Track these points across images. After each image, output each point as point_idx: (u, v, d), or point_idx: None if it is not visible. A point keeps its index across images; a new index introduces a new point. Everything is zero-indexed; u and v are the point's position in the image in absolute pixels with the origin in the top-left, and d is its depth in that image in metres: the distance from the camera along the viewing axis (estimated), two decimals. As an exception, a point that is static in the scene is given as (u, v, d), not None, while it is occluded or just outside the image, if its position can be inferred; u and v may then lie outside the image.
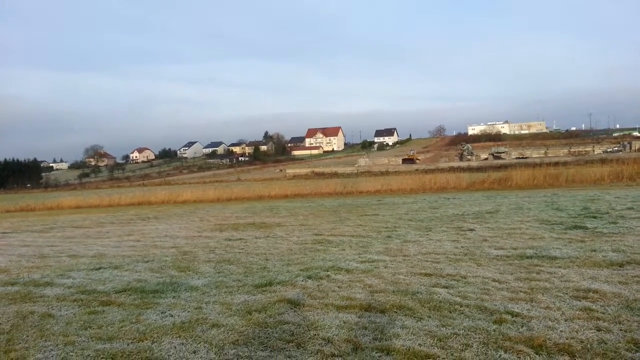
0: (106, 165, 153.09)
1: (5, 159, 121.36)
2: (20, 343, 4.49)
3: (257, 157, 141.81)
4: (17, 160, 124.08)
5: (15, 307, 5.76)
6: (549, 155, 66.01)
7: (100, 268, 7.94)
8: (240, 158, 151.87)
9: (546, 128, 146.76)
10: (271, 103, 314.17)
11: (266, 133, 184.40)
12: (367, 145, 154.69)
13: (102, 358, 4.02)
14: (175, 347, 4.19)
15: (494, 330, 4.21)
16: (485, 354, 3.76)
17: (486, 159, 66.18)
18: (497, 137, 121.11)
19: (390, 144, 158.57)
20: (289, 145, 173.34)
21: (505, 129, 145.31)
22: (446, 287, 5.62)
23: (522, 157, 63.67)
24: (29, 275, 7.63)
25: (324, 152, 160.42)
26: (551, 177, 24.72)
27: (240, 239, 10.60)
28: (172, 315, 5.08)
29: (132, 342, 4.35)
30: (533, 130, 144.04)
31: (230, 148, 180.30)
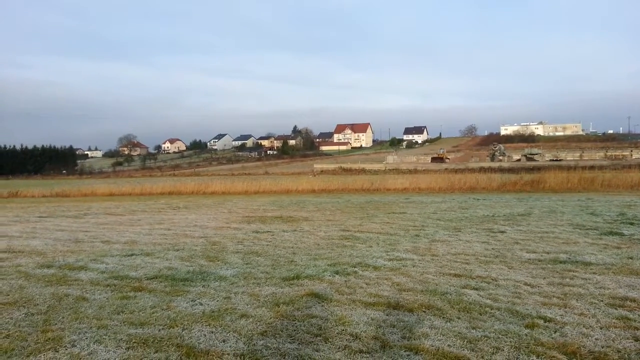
0: (139, 155, 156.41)
1: (43, 146, 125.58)
2: (56, 324, 4.64)
3: (285, 151, 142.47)
4: (54, 147, 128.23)
5: (52, 289, 5.95)
6: (585, 158, 64.19)
7: (132, 254, 8.13)
8: (268, 152, 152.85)
9: (582, 130, 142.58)
10: (301, 97, 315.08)
11: (295, 127, 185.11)
12: (395, 143, 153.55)
13: (134, 342, 4.11)
14: (205, 335, 4.26)
15: (526, 335, 4.12)
16: (517, 358, 3.69)
17: (519, 160, 64.80)
18: (530, 138, 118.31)
19: (420, 142, 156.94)
20: (318, 140, 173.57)
21: (539, 130, 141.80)
22: (476, 289, 5.54)
23: (556, 160, 62.09)
24: (64, 259, 7.87)
25: (352, 148, 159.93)
26: (586, 181, 24.02)
27: (268, 231, 10.68)
28: (201, 304, 5.16)
29: (163, 328, 4.44)
30: (568, 132, 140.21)
31: (259, 141, 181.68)
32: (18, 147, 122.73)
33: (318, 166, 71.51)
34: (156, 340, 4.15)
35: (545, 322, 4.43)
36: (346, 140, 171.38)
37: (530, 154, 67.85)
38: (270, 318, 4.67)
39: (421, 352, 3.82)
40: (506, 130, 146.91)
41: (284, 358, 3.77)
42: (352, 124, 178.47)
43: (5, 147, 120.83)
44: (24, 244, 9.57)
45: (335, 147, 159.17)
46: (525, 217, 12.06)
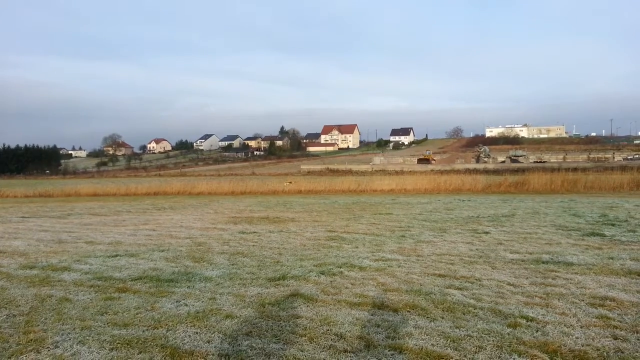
0: (124, 155, 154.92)
1: (26, 145, 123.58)
2: (38, 325, 4.58)
3: (272, 152, 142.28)
4: (37, 146, 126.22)
5: (34, 290, 5.88)
6: (568, 160, 65.13)
7: (116, 255, 8.06)
8: (255, 152, 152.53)
9: (565, 133, 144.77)
10: (288, 98, 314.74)
11: (282, 128, 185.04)
12: (382, 144, 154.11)
13: (118, 343, 4.08)
14: (190, 336, 4.24)
15: (508, 334, 4.18)
16: (499, 357, 3.74)
17: (503, 161, 65.53)
18: (515, 141, 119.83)
19: (406, 143, 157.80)
20: (305, 141, 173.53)
21: (523, 133, 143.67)
22: (460, 289, 5.60)
23: (540, 162, 62.93)
24: (47, 260, 7.77)
25: (339, 149, 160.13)
26: (569, 183, 24.38)
27: (254, 232, 10.66)
28: (186, 305, 5.14)
29: (147, 329, 4.42)
30: (552, 134, 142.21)
31: (246, 142, 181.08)
32: (0, 146, 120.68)
33: (305, 167, 71.52)
34: (140, 341, 4.12)
35: (527, 321, 4.49)
36: (333, 142, 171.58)
37: (515, 156, 68.70)
38: (256, 318, 4.67)
39: (405, 352, 3.86)
40: (491, 132, 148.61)
41: (269, 358, 3.78)
42: (339, 125, 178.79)
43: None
44: (5, 245, 9.42)
45: (323, 148, 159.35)
46: (509, 218, 12.21)
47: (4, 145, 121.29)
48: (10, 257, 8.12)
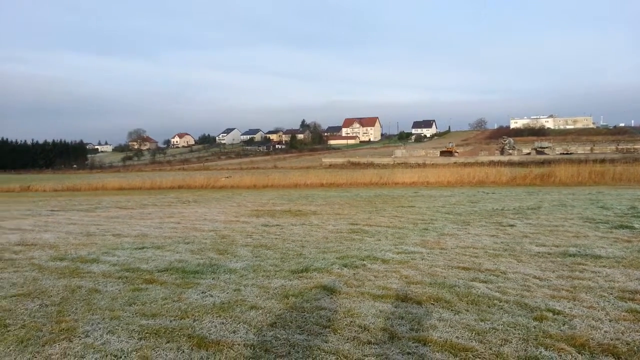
0: (148, 149, 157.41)
1: (54, 140, 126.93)
2: (69, 315, 4.72)
3: (293, 146, 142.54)
4: (65, 141, 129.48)
5: (65, 281, 6.04)
6: (595, 151, 63.54)
7: (143, 247, 8.22)
8: (277, 146, 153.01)
9: (593, 123, 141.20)
10: (309, 92, 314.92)
11: (303, 121, 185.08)
12: (404, 137, 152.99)
13: (146, 333, 4.18)
14: (216, 326, 4.31)
15: (534, 327, 4.13)
16: (525, 350, 3.70)
17: (528, 153, 64.33)
18: (540, 132, 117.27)
19: (428, 135, 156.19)
20: (326, 134, 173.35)
21: (549, 124, 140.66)
22: (485, 282, 5.54)
23: (567, 153, 61.54)
24: (77, 252, 7.98)
25: (361, 142, 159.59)
26: (597, 175, 23.81)
27: (277, 225, 10.74)
28: (212, 296, 5.23)
29: (174, 319, 4.51)
30: (579, 125, 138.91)
31: (268, 135, 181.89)
32: (29, 142, 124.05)
33: (326, 160, 71.48)
34: (168, 331, 4.21)
35: (554, 314, 4.43)
36: (354, 135, 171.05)
37: (540, 147, 67.31)
38: (280, 310, 4.72)
39: (429, 344, 3.85)
40: (516, 123, 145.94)
41: (293, 349, 3.82)
42: (361, 118, 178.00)
43: (17, 142, 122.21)
44: (36, 237, 9.71)
45: (344, 141, 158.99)
46: (535, 211, 12.01)
47: (32, 140, 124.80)
48: (41, 249, 8.37)
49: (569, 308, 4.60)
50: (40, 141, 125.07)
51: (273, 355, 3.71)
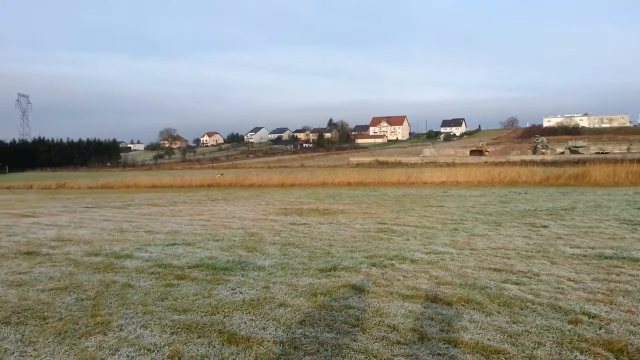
0: (179, 148, 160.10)
1: (88, 139, 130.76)
2: (104, 309, 4.85)
3: (320, 144, 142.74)
4: (98, 140, 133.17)
5: (99, 276, 6.21)
6: (633, 151, 61.43)
7: (174, 244, 8.38)
8: (304, 144, 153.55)
9: (630, 122, 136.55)
10: (336, 90, 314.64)
11: (330, 120, 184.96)
12: (432, 135, 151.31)
13: (178, 328, 4.26)
14: (246, 323, 4.36)
15: (569, 331, 4.03)
16: (560, 354, 3.61)
17: (562, 153, 62.72)
18: (574, 130, 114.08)
19: (458, 134, 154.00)
20: (353, 133, 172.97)
21: (584, 122, 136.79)
22: (517, 284, 5.43)
23: (602, 152, 59.73)
24: (110, 248, 8.19)
25: (388, 141, 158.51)
26: (634, 175, 22.99)
27: (305, 223, 10.77)
28: (241, 293, 5.28)
29: (205, 315, 4.58)
30: (615, 124, 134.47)
31: (295, 134, 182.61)
32: (65, 140, 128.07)
33: (354, 159, 71.34)
34: (199, 326, 4.28)
35: (589, 318, 4.31)
36: (382, 133, 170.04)
37: (575, 147, 65.54)
38: (308, 308, 4.74)
39: (460, 345, 3.80)
40: (549, 122, 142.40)
41: (322, 347, 3.83)
42: (388, 117, 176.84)
43: (53, 141, 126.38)
44: (72, 233, 10.01)
45: (371, 140, 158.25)
46: (569, 212, 11.70)
47: (67, 139, 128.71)
48: (77, 244, 8.62)
49: (605, 312, 4.47)
50: (75, 140, 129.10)
51: (302, 353, 3.73)
